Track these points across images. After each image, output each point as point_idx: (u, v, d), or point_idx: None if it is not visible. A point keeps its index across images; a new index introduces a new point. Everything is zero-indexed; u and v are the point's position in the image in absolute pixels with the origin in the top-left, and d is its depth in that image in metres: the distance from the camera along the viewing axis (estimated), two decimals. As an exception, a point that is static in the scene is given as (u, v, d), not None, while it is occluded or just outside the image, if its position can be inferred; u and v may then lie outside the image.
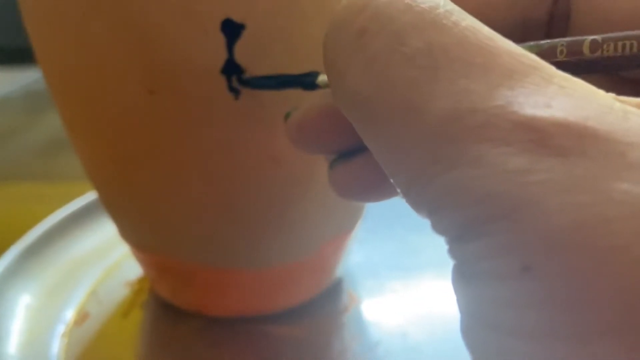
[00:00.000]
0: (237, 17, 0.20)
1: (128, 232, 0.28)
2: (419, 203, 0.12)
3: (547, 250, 0.09)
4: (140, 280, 0.32)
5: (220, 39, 0.20)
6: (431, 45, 0.11)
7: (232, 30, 0.20)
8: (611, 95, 0.11)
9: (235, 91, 0.21)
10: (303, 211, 0.25)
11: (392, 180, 0.13)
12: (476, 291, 0.11)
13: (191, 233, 0.26)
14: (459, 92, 0.11)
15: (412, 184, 0.12)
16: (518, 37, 0.14)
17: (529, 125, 0.10)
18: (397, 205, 0.38)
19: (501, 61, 0.11)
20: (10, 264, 0.31)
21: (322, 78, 0.18)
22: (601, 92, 0.11)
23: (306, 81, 0.18)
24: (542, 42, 0.14)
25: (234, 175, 0.23)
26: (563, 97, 0.10)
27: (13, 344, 0.27)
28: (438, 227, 0.12)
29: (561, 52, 0.13)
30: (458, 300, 0.12)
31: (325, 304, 0.30)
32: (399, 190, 0.13)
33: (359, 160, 0.17)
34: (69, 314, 0.30)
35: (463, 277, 0.11)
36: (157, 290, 0.31)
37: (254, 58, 0.20)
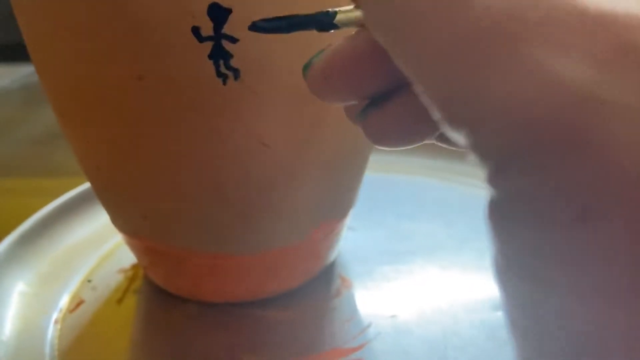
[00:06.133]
0: (223, 2, 0.20)
1: (120, 219, 0.29)
2: (460, 119, 0.10)
3: (616, 193, 0.08)
4: (134, 267, 0.33)
5: (208, 24, 0.20)
6: None
7: (219, 14, 0.20)
8: None
9: (223, 76, 0.21)
10: (292, 196, 0.26)
11: (430, 99, 0.11)
12: (518, 235, 0.09)
13: (182, 219, 0.26)
14: None
15: (456, 95, 0.10)
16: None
17: (606, 24, 0.08)
18: (388, 193, 0.39)
19: None
20: (5, 252, 0.31)
21: (341, 17, 0.16)
22: None
23: (323, 21, 0.16)
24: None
25: (224, 161, 0.23)
26: None
27: (8, 331, 0.28)
28: (479, 151, 0.10)
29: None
30: (492, 239, 0.10)
31: (318, 289, 0.30)
32: (438, 114, 0.11)
33: (392, 104, 0.15)
34: (64, 301, 0.30)
35: (502, 217, 0.10)
36: (151, 276, 0.31)
37: (242, 42, 0.20)
